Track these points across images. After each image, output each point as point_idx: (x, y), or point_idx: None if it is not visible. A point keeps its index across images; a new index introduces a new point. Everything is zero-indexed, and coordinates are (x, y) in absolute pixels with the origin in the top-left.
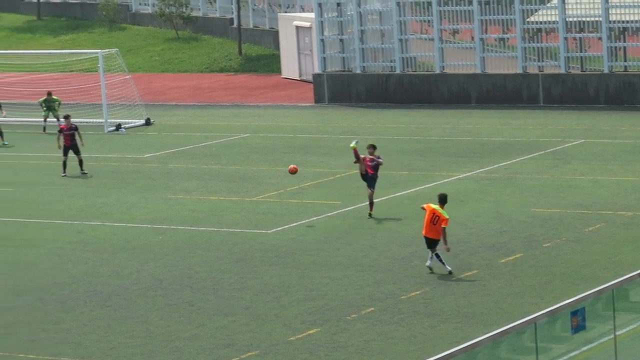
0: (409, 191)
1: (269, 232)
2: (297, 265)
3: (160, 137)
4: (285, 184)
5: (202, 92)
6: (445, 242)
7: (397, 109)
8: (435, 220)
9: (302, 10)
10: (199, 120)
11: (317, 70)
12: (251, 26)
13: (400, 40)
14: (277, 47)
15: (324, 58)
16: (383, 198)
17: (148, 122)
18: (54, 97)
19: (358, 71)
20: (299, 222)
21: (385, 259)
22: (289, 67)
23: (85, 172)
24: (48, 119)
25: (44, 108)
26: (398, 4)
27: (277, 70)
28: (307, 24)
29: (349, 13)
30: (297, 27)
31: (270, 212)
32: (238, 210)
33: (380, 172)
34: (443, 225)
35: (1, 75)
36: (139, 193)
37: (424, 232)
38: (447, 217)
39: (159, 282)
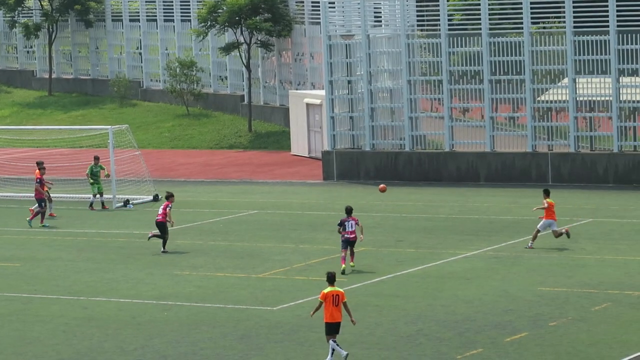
0: (416, 269)
1: (274, 309)
2: (302, 342)
3: None
4: (292, 261)
5: (211, 169)
6: (351, 314)
7: (406, 186)
8: (336, 301)
9: (313, 87)
10: (207, 196)
11: (327, 147)
12: (262, 103)
13: (410, 118)
14: (287, 124)
15: (334, 135)
16: (389, 275)
17: (156, 199)
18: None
19: (367, 149)
20: (305, 299)
21: (391, 336)
22: (299, 144)
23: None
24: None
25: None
26: (409, 81)
27: (287, 147)
28: (318, 101)
29: (359, 91)
30: (308, 105)
31: (276, 289)
32: (244, 287)
33: (386, 250)
34: (344, 300)
35: (12, 150)
36: (145, 269)
37: (329, 320)
38: (343, 291)
39: (163, 358)
